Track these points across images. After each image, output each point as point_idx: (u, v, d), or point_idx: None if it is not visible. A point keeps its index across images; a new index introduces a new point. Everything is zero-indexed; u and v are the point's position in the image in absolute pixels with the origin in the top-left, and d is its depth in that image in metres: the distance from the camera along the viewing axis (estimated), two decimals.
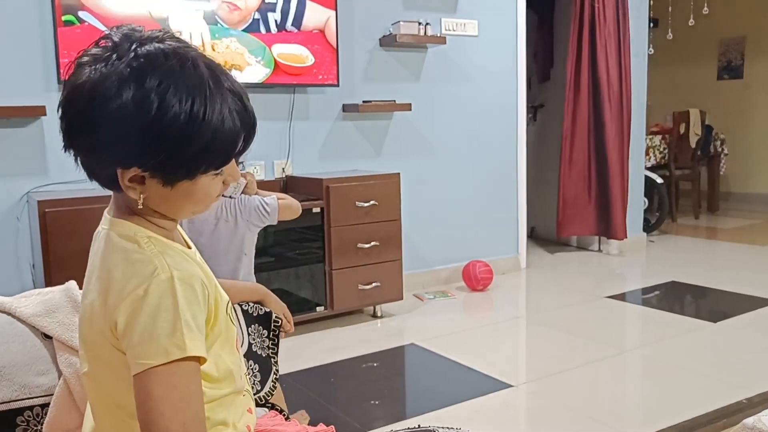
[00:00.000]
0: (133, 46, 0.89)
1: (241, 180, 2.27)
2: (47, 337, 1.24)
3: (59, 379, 1.22)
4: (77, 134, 0.91)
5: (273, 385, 1.43)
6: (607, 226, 5.11)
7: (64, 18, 3.04)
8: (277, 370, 1.47)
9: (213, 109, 0.90)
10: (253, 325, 1.43)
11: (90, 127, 0.89)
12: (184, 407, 0.87)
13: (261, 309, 1.45)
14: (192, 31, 3.32)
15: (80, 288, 1.28)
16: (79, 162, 0.96)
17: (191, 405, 0.88)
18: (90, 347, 0.98)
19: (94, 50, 0.91)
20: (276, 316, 1.47)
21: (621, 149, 5.06)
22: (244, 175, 2.30)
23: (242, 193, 2.29)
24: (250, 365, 1.42)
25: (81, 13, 3.07)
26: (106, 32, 0.94)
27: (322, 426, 1.21)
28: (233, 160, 0.97)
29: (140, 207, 0.95)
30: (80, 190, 3.00)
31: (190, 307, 0.90)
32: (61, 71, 3.05)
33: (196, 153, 0.90)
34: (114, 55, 0.89)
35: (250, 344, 1.43)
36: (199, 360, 0.91)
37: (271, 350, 1.45)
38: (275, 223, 2.25)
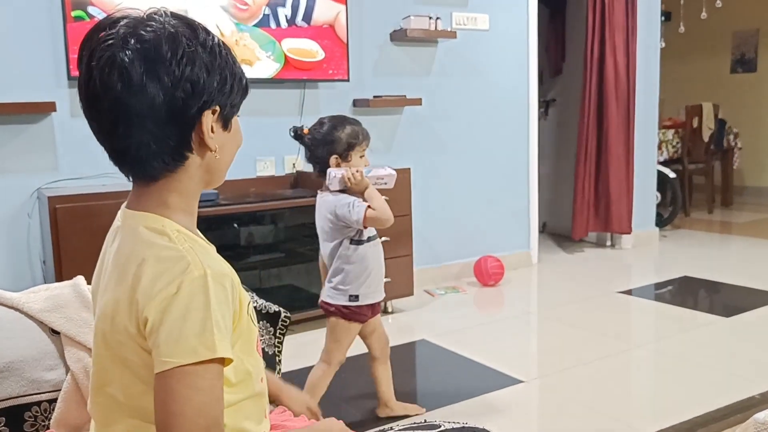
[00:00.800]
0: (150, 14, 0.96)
1: (334, 171, 2.20)
2: (55, 332, 1.24)
3: (67, 374, 1.22)
4: (173, 90, 0.92)
5: None
6: (613, 220, 5.07)
7: (73, 14, 3.04)
8: (280, 369, 1.47)
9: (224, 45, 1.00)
10: (261, 322, 1.42)
11: (188, 68, 0.92)
12: (207, 410, 0.85)
13: (270, 307, 1.45)
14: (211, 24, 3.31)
15: (88, 284, 1.28)
16: (138, 143, 0.93)
17: (214, 409, 0.86)
18: (110, 346, 0.94)
19: (126, 20, 0.94)
20: (285, 315, 1.47)
21: (626, 143, 5.03)
22: (348, 167, 2.23)
23: (343, 188, 2.22)
24: None
25: (90, 9, 3.07)
26: (113, 18, 0.96)
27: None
28: None
29: (217, 156, 0.98)
30: (90, 186, 3.01)
31: (220, 307, 0.88)
32: (71, 67, 3.06)
33: (236, 80, 0.99)
34: (144, 18, 0.94)
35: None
36: (224, 362, 0.89)
37: (277, 348, 1.45)
38: (363, 228, 2.26)
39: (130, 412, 0.94)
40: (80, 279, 1.31)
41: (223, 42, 0.99)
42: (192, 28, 0.96)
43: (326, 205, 2.27)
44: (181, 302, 0.86)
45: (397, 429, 1.14)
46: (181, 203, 0.98)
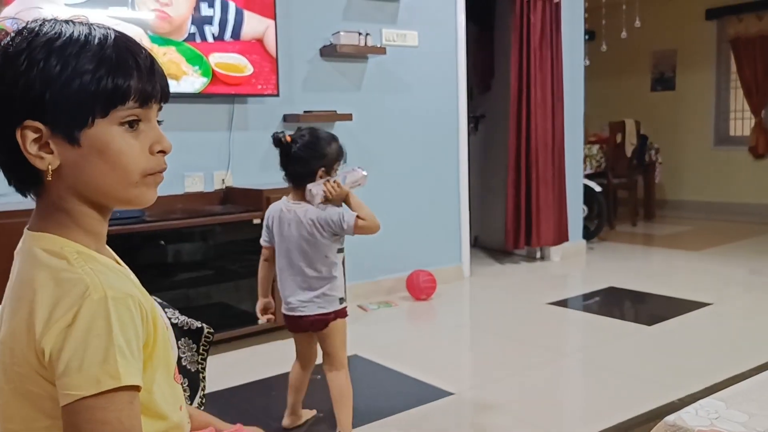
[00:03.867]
0: None
1: (315, 187, 2.20)
2: None
3: None
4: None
5: (201, 401, 1.39)
6: (551, 233, 5.19)
7: None
8: (205, 386, 1.43)
9: (81, 32, 0.88)
10: (182, 339, 1.39)
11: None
12: None
13: (192, 323, 1.41)
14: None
15: None
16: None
17: None
18: (11, 379, 0.87)
19: None
20: (208, 331, 1.44)
21: (557, 158, 5.16)
22: (326, 183, 2.23)
23: (326, 202, 2.23)
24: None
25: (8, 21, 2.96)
26: None
27: (239, 426, 1.18)
28: (155, 121, 0.93)
29: (49, 179, 0.87)
30: (10, 204, 2.89)
31: (124, 331, 0.82)
32: None
33: (80, 83, 0.85)
34: None
35: (179, 357, 1.38)
36: (136, 389, 0.83)
37: (200, 365, 1.41)
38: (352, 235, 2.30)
39: None
40: None
41: (68, 38, 0.88)
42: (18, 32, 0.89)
43: (310, 217, 2.24)
44: (79, 329, 0.81)
45: None
46: (74, 222, 0.91)
